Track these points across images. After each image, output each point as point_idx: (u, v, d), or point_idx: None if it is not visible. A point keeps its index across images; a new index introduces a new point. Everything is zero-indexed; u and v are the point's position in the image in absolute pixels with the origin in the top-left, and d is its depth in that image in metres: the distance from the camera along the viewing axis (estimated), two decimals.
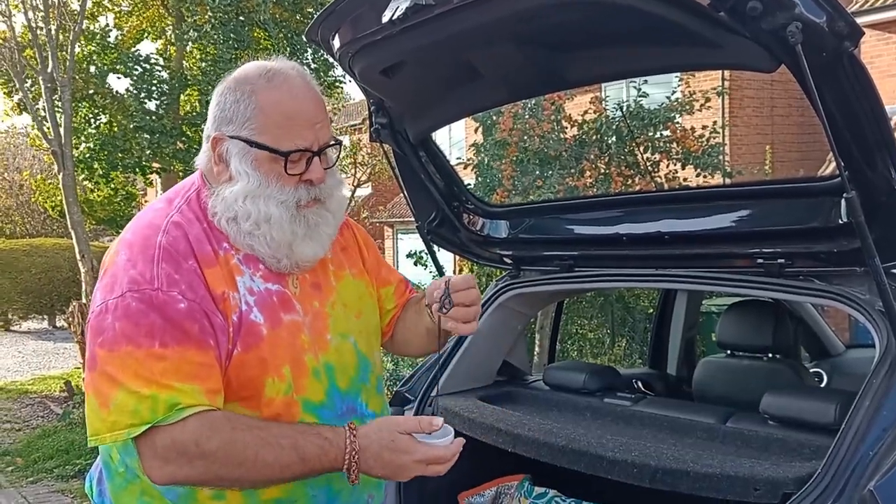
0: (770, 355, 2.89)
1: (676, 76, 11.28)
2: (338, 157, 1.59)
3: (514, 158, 9.33)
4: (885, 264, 1.72)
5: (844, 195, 1.58)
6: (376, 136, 2.40)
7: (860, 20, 14.76)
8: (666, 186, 8.43)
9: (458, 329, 1.58)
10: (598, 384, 2.62)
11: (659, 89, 10.53)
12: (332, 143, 1.54)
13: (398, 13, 1.77)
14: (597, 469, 1.99)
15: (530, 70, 2.00)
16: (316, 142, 1.49)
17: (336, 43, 2.07)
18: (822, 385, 3.85)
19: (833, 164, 1.88)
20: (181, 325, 1.36)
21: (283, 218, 1.46)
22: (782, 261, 2.03)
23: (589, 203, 2.72)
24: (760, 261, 2.07)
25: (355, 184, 17.23)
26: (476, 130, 10.62)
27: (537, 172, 8.60)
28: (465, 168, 12.23)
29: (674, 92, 9.90)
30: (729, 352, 3.03)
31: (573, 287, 2.73)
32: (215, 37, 9.89)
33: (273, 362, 1.45)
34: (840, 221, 1.82)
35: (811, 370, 3.89)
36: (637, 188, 8.35)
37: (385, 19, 1.83)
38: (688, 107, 9.27)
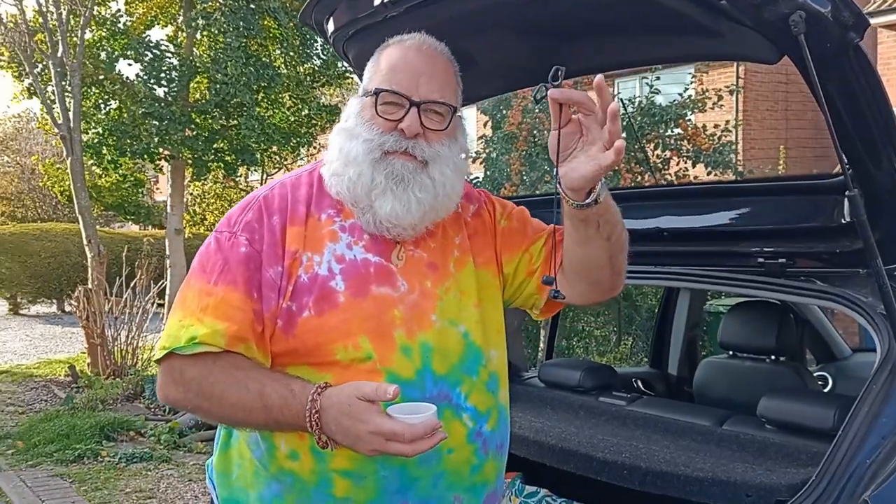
0: (773, 357, 2.84)
1: (689, 73, 11.20)
2: (449, 123, 1.51)
3: (523, 152, 9.27)
4: (889, 266, 1.66)
5: (847, 193, 1.52)
6: None
7: (877, 20, 14.61)
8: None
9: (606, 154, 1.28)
10: (593, 382, 2.57)
11: (672, 86, 10.45)
12: (439, 101, 1.48)
13: None
14: (587, 470, 1.95)
15: (526, 58, 1.95)
16: (416, 93, 1.47)
17: (330, 26, 2.02)
18: (827, 389, 3.79)
19: None
20: (235, 269, 1.43)
21: (364, 158, 1.46)
22: (784, 260, 1.97)
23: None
24: (761, 260, 2.02)
25: None
26: (485, 125, 10.57)
27: (546, 167, 8.54)
28: (473, 162, 12.19)
29: (686, 89, 9.81)
30: (731, 353, 2.97)
31: None
32: (225, 24, 9.86)
33: (344, 330, 1.43)
34: (843, 221, 1.77)
35: (816, 374, 3.83)
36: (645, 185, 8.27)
37: (377, 2, 1.78)
38: (700, 104, 9.18)
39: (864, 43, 1.46)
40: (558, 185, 1.39)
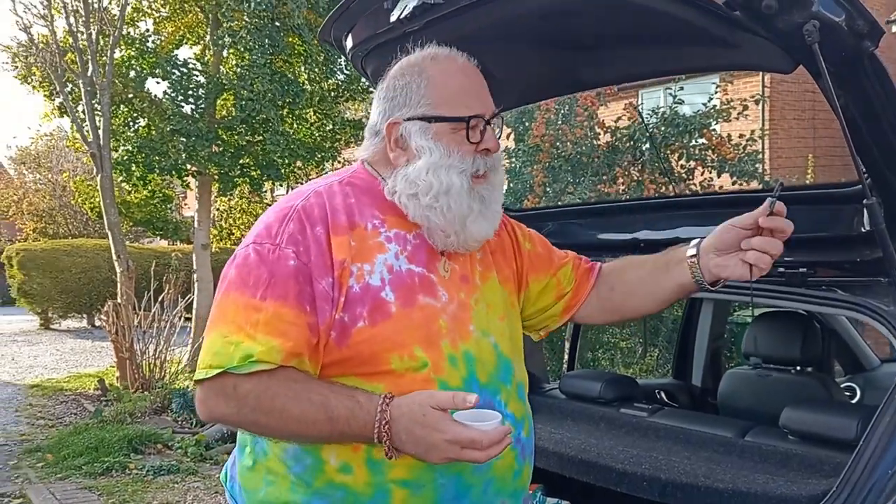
0: (798, 368, 2.81)
1: (713, 83, 11.12)
2: (500, 130, 1.60)
3: (546, 164, 9.26)
4: None
5: (865, 202, 1.51)
6: None
7: None
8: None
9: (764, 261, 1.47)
10: (614, 394, 2.56)
11: (696, 96, 10.39)
12: (498, 111, 1.56)
13: (406, 13, 1.75)
14: (607, 481, 1.94)
15: (544, 71, 1.96)
16: (488, 109, 1.53)
17: (349, 43, 2.06)
18: (855, 400, 3.74)
19: None
20: (284, 283, 1.40)
21: (462, 188, 1.49)
22: (805, 270, 1.95)
23: (607, 208, 2.67)
24: (782, 270, 2.00)
25: None
26: (508, 136, 10.59)
27: (569, 179, 8.53)
28: None
29: (710, 98, 9.76)
30: (756, 364, 2.95)
31: None
32: (251, 42, 9.98)
33: (399, 340, 1.44)
34: (862, 230, 1.75)
35: (844, 385, 3.78)
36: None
37: (395, 18, 1.81)
38: (725, 114, 9.13)
39: (879, 51, 1.46)
40: (694, 263, 1.58)
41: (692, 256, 1.58)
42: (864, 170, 1.55)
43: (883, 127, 1.52)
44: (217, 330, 1.40)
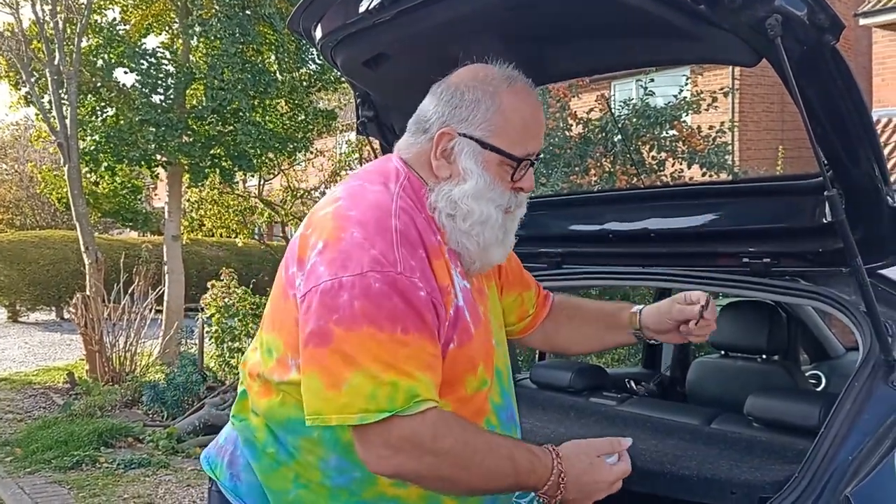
0: (764, 357, 2.85)
1: (684, 75, 11.23)
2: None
3: None
4: (870, 265, 1.68)
5: (826, 193, 1.54)
6: (362, 129, 2.37)
7: (872, 20, 14.64)
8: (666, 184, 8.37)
9: (697, 339, 1.81)
10: (584, 383, 2.59)
11: (667, 88, 10.47)
12: (540, 151, 1.56)
13: (375, 3, 1.75)
14: None
15: (513, 62, 1.97)
16: (538, 149, 1.52)
17: (318, 33, 2.04)
18: (821, 388, 3.80)
19: None
20: (421, 313, 1.32)
21: (497, 221, 1.47)
22: (768, 260, 1.99)
23: (577, 200, 2.69)
24: (746, 260, 2.04)
25: None
26: None
27: (541, 170, 8.56)
28: None
29: (681, 91, 9.84)
30: (723, 352, 2.99)
31: (561, 284, 2.69)
32: (221, 31, 9.87)
33: (474, 360, 1.45)
34: (824, 221, 1.79)
35: (810, 373, 3.85)
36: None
37: (364, 8, 1.80)
38: (695, 106, 9.21)
39: (848, 43, 1.49)
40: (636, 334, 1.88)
41: (635, 331, 1.86)
42: (825, 162, 1.58)
43: (843, 120, 1.55)
44: (360, 371, 1.26)
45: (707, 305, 1.72)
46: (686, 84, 10.20)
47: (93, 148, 10.55)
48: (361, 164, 18.05)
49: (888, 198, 1.65)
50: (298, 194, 17.58)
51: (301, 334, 1.34)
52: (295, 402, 1.40)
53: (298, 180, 18.18)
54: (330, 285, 1.31)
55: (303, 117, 11.97)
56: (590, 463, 1.41)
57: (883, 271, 1.84)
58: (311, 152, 15.51)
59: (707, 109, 9.27)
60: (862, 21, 14.50)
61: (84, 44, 10.29)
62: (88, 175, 11.07)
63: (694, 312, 1.72)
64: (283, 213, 16.93)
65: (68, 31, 10.05)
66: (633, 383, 3.54)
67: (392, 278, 1.30)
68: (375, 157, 2.62)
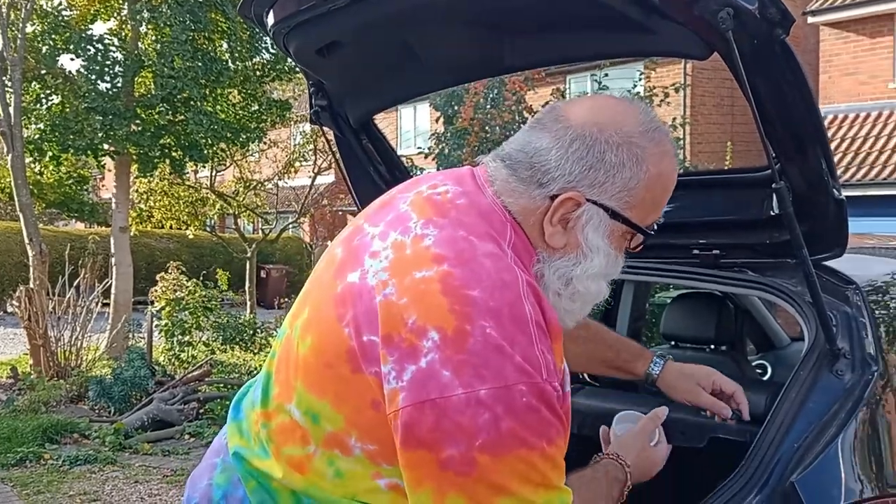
0: (713, 347, 2.90)
1: (638, 70, 11.36)
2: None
3: (475, 147, 9.31)
4: (816, 256, 1.71)
5: (774, 186, 1.57)
6: (316, 118, 2.34)
7: (819, 19, 15.01)
8: None
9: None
10: None
11: (622, 82, 10.59)
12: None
13: None
14: None
15: (471, 53, 1.96)
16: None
17: (270, 20, 2.00)
18: (766, 377, 3.89)
19: None
20: (560, 418, 1.16)
21: (605, 297, 1.32)
22: (717, 252, 2.02)
23: None
24: (696, 251, 2.07)
25: (315, 171, 17.05)
26: (437, 120, 10.58)
27: None
28: (425, 158, 12.19)
29: (635, 85, 9.98)
30: (673, 343, 3.03)
31: None
32: (171, 17, 9.67)
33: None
34: (772, 213, 1.82)
35: (756, 362, 3.93)
36: None
37: None
38: (648, 101, 9.35)
39: (804, 41, 1.51)
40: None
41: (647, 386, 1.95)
42: (773, 155, 1.61)
43: (792, 113, 1.58)
44: (511, 498, 1.11)
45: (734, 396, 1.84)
46: (640, 79, 10.34)
47: (37, 136, 10.26)
48: (315, 156, 17.89)
49: (834, 191, 1.69)
50: (251, 186, 17.37)
51: (418, 443, 1.12)
52: (360, 488, 1.22)
53: (251, 171, 17.96)
54: (465, 400, 1.09)
55: (256, 107, 11.80)
56: (646, 457, 1.56)
57: (828, 262, 1.88)
58: (265, 143, 15.33)
59: (660, 105, 9.41)
60: (810, 19, 14.87)
61: (29, 29, 9.99)
62: (32, 165, 10.77)
63: (717, 410, 1.83)
64: (235, 204, 16.71)
65: (13, 16, 9.74)
66: (585, 374, 3.58)
67: (539, 389, 1.12)
68: (329, 147, 2.59)
